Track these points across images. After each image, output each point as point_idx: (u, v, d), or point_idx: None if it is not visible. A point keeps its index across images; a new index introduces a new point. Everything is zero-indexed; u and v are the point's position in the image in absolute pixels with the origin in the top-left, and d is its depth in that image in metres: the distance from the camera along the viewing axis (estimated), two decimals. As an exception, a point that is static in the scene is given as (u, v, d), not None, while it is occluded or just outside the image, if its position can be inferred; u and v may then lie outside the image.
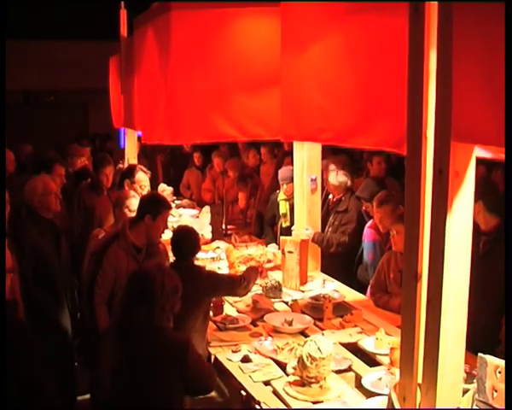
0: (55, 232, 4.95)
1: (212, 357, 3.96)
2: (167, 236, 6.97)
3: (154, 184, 9.04)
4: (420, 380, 2.62)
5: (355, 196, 5.98)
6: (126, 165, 7.91)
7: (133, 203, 4.68)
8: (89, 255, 4.52)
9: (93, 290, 4.15)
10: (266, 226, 6.99)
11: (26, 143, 9.39)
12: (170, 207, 4.47)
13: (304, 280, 5.29)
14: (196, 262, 5.79)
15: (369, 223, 5.52)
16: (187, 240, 4.04)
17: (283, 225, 6.45)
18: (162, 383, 3.03)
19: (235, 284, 4.17)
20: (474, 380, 2.94)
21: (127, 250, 4.23)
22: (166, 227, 4.46)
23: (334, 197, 5.97)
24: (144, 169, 6.00)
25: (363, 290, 5.26)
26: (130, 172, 5.94)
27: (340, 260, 5.87)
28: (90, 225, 5.63)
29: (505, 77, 2.06)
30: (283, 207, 6.45)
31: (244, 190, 8.14)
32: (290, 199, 6.11)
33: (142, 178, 5.86)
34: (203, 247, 6.38)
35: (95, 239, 4.82)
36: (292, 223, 5.99)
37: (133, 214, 4.50)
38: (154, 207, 4.28)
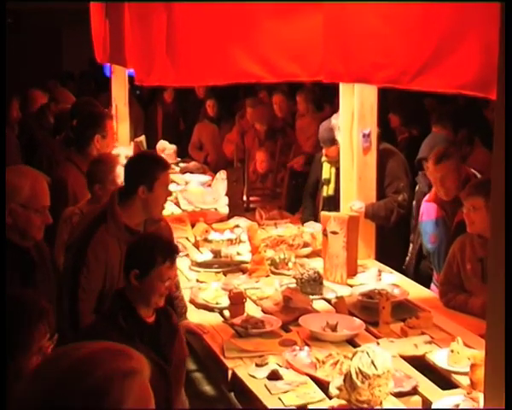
0: None
1: (230, 373, 3.99)
2: (168, 210, 7.07)
3: (152, 141, 9.10)
4: (512, 407, 2.61)
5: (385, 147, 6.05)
6: (114, 112, 7.95)
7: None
8: (62, 247, 4.50)
9: (75, 296, 4.08)
10: (306, 197, 6.98)
11: None
12: (168, 167, 4.40)
13: (353, 271, 5.31)
14: (210, 245, 5.86)
15: (427, 196, 5.48)
16: None
17: (325, 195, 6.45)
18: None
19: None
20: None
21: (119, 236, 4.11)
22: (169, 194, 4.40)
23: None
24: (110, 113, 5.89)
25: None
26: (98, 121, 5.67)
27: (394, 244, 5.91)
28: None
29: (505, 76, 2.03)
30: (327, 172, 6.43)
31: (270, 148, 8.13)
32: (337, 161, 6.10)
33: (113, 128, 5.72)
34: (217, 225, 6.42)
35: (68, 223, 4.78)
36: (337, 192, 5.99)
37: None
38: (147, 172, 4.17)
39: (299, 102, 8.66)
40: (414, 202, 5.94)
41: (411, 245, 5.92)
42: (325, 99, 8.70)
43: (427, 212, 5.46)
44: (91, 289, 4.02)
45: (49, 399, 1.62)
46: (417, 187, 6.04)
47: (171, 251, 3.62)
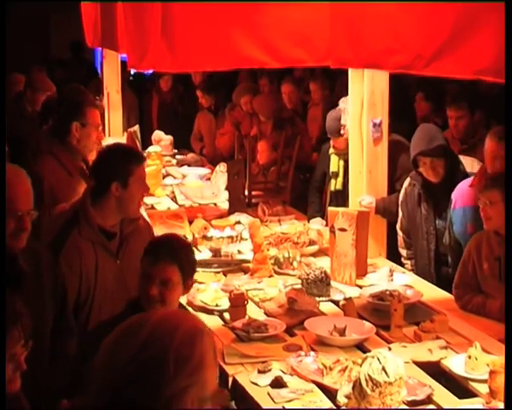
0: None
1: (230, 380, 3.98)
2: (164, 205, 7.08)
3: (147, 131, 9.08)
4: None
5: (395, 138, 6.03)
6: (105, 100, 7.93)
7: None
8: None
9: None
10: (312, 191, 6.99)
11: None
12: (143, 159, 4.37)
13: (362, 270, 5.31)
14: (209, 243, 5.85)
15: (469, 180, 5.34)
16: None
17: (332, 189, 6.45)
18: None
19: None
20: None
21: (93, 238, 4.10)
22: (146, 189, 4.34)
23: None
24: (95, 101, 5.83)
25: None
26: (76, 108, 5.49)
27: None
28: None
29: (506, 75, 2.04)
30: (335, 164, 6.43)
31: (274, 139, 8.11)
32: (345, 153, 6.10)
33: (97, 117, 5.64)
34: (217, 222, 6.42)
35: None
36: (346, 185, 5.98)
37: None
38: (120, 167, 4.13)
39: (314, 90, 8.62)
40: (400, 211, 5.77)
41: (409, 262, 5.84)
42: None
43: (469, 197, 5.27)
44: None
45: (141, 353, 1.79)
46: (404, 191, 5.79)
47: None
